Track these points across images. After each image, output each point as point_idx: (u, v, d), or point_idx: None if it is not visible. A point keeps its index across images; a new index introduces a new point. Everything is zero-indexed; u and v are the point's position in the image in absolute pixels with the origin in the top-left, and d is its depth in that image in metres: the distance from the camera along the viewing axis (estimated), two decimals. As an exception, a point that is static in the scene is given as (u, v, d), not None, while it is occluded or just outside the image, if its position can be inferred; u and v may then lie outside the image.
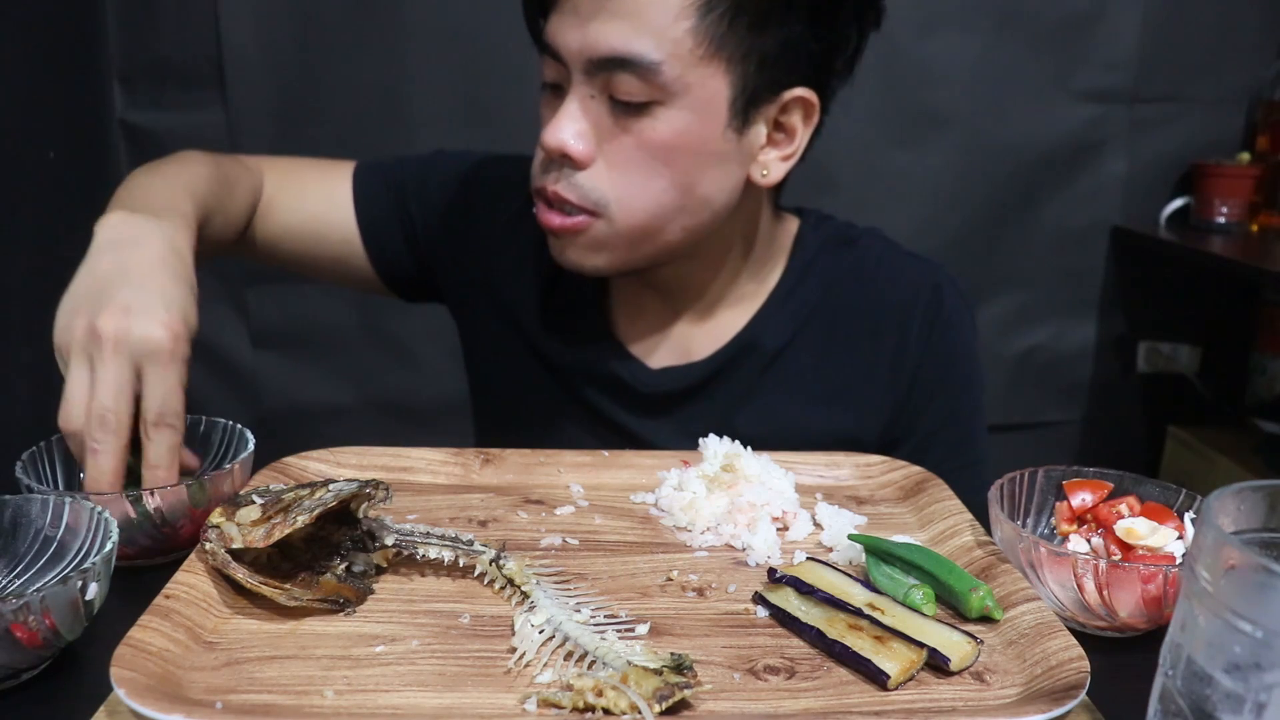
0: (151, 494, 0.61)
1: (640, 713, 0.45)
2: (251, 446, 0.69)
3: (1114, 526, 0.61)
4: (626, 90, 0.75)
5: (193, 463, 0.70)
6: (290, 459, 0.73)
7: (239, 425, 0.72)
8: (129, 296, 0.64)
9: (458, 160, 1.02)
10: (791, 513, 0.69)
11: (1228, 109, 1.87)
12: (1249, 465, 1.77)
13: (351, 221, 0.98)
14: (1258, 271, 1.58)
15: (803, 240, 0.93)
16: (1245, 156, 1.83)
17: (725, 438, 0.73)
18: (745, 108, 0.78)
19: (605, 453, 0.77)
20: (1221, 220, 1.81)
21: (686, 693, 0.47)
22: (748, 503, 0.67)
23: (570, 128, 0.77)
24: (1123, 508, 0.62)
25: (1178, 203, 1.88)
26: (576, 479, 0.74)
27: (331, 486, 0.59)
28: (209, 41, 1.64)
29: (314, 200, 0.98)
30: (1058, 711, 0.46)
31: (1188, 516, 0.62)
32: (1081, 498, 0.64)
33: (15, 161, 1.35)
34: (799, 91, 0.80)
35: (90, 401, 0.62)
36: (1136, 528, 0.60)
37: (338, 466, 0.74)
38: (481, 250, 0.97)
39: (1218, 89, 1.84)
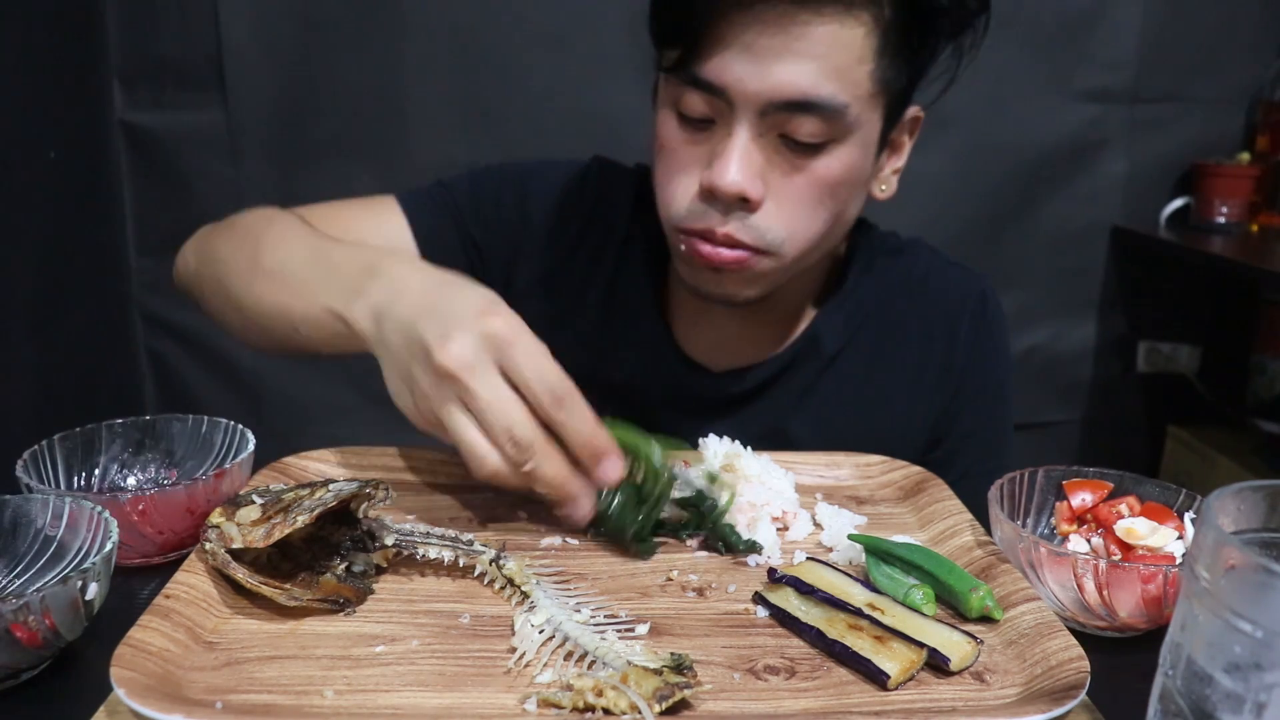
0: None
1: (640, 713, 0.45)
2: (251, 446, 0.69)
3: (1114, 526, 0.61)
4: (808, 132, 0.73)
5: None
6: (290, 459, 0.73)
7: (239, 425, 0.72)
8: (432, 328, 0.59)
9: (505, 175, 0.98)
10: (791, 513, 0.69)
11: (1228, 109, 1.87)
12: (1249, 465, 1.77)
13: (415, 255, 0.93)
14: (1258, 271, 1.58)
15: (859, 246, 0.94)
16: (1245, 156, 1.83)
17: (726, 438, 0.73)
18: (888, 134, 0.80)
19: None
20: (1221, 220, 1.81)
21: (686, 693, 0.47)
22: (748, 503, 0.67)
23: (746, 170, 0.73)
24: (1123, 508, 0.63)
25: (1178, 203, 1.88)
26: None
27: (331, 486, 0.59)
28: (209, 41, 1.64)
29: (374, 241, 0.92)
30: (1058, 711, 0.46)
31: (1188, 516, 0.62)
32: (1081, 498, 0.64)
33: (15, 161, 1.35)
34: (914, 110, 0.83)
35: (491, 430, 0.57)
36: (1136, 528, 0.60)
37: (338, 466, 0.74)
38: (544, 264, 0.95)
39: (1218, 89, 1.84)
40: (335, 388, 1.82)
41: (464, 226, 0.95)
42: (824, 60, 0.71)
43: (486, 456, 0.58)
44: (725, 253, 0.78)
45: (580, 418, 0.60)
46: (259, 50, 1.65)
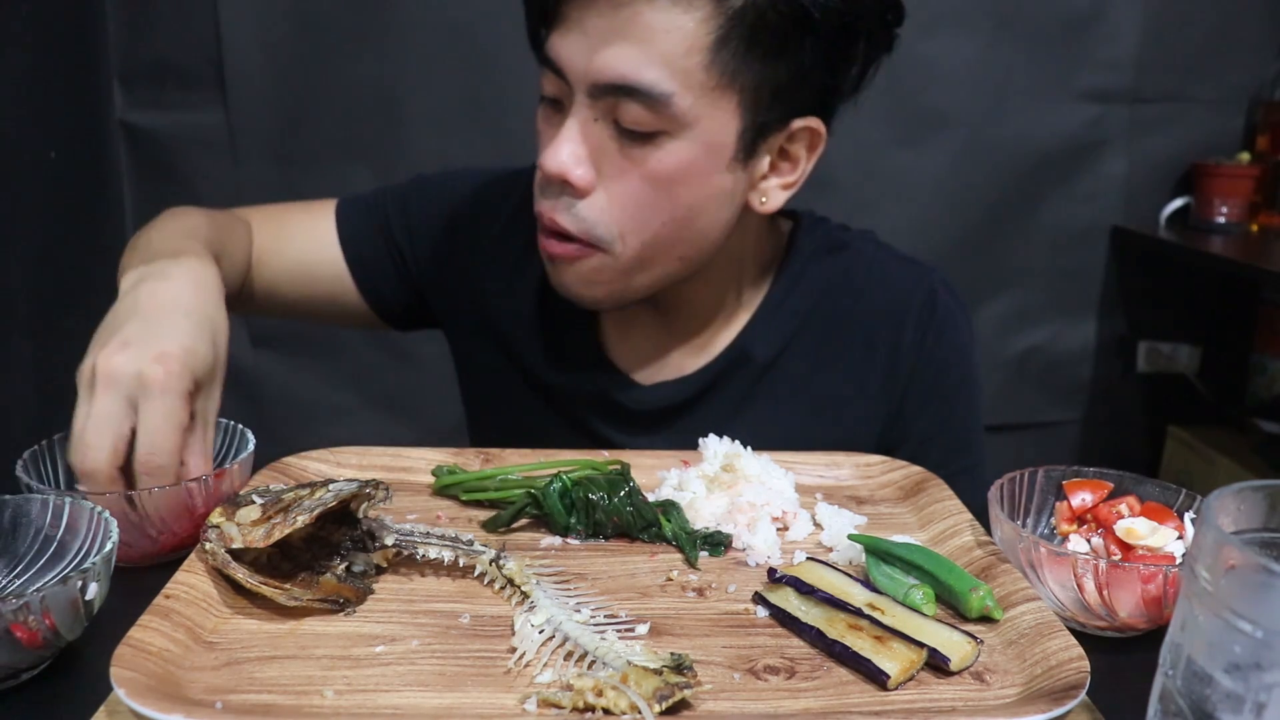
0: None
1: (640, 713, 0.45)
2: (251, 446, 0.69)
3: (1114, 526, 0.61)
4: (633, 119, 0.72)
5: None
6: (290, 459, 0.73)
7: (239, 425, 0.72)
8: (130, 331, 0.64)
9: (436, 183, 1.00)
10: (791, 513, 0.69)
11: (1228, 109, 1.87)
12: (1249, 465, 1.77)
13: (340, 260, 0.96)
14: (1258, 271, 1.58)
15: (795, 247, 0.91)
16: (1245, 156, 1.84)
17: (725, 438, 0.73)
18: (753, 140, 0.77)
19: (605, 453, 0.77)
20: (1221, 220, 1.81)
21: (686, 693, 0.47)
22: (748, 503, 0.67)
23: (571, 152, 0.74)
24: (1123, 508, 0.62)
25: (1178, 203, 1.88)
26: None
27: (331, 486, 0.59)
28: (209, 41, 1.64)
29: (301, 243, 0.96)
30: (1058, 711, 0.45)
31: (1188, 516, 0.62)
32: (1081, 498, 0.64)
33: (15, 161, 1.35)
34: (806, 121, 0.78)
35: (82, 436, 0.61)
36: (1136, 528, 0.60)
37: (338, 466, 0.74)
38: (469, 271, 0.96)
39: (1218, 89, 1.85)
40: (335, 388, 1.82)
41: (389, 233, 0.97)
42: (648, 45, 0.70)
43: (76, 447, 0.61)
44: (555, 245, 0.78)
45: (156, 486, 0.62)
46: (259, 50, 1.65)
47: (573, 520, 0.65)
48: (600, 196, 0.76)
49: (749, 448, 0.73)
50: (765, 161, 0.79)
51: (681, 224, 0.78)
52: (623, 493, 0.66)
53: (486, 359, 0.97)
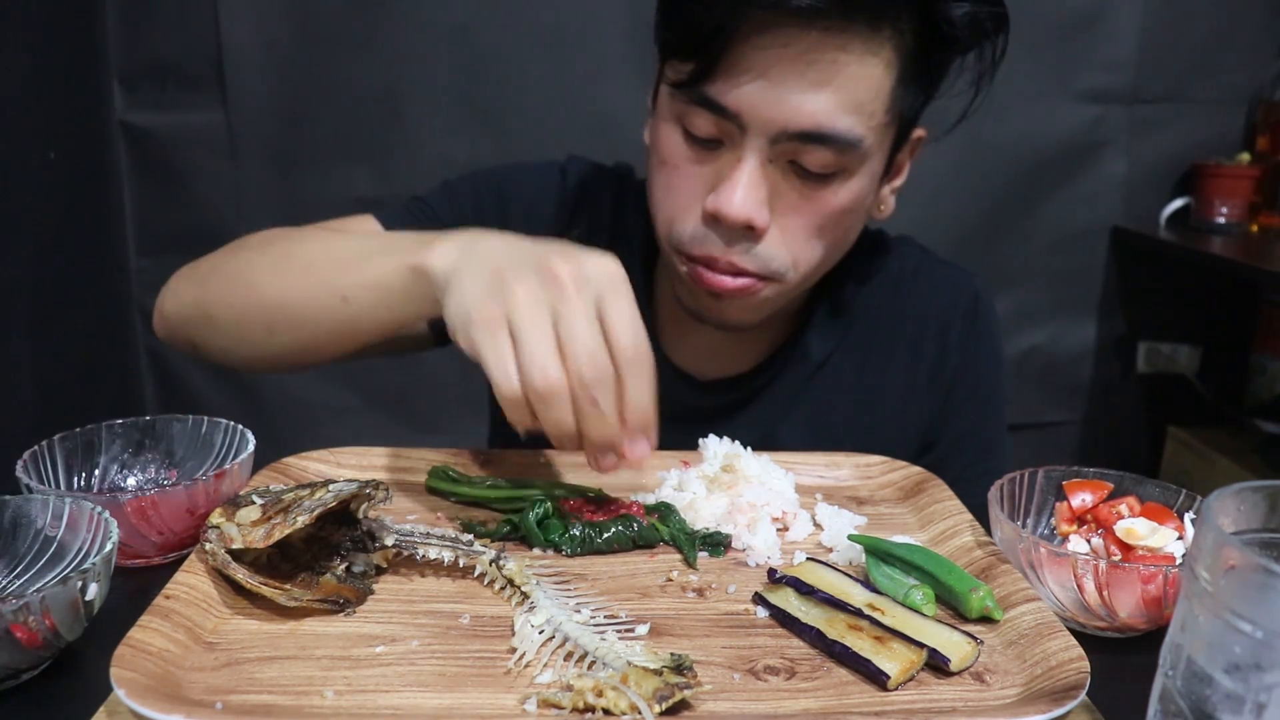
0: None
1: (640, 713, 0.45)
2: (251, 446, 0.69)
3: (1114, 527, 0.61)
4: (819, 163, 0.71)
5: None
6: (290, 459, 0.73)
7: (239, 425, 0.72)
8: (548, 250, 0.58)
9: (478, 182, 0.96)
10: (791, 513, 0.69)
11: (1228, 109, 1.87)
12: (1249, 465, 1.77)
13: None
14: (1258, 271, 1.58)
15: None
16: (1245, 157, 1.83)
17: (725, 438, 0.73)
18: (893, 157, 0.79)
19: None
20: (1221, 220, 1.81)
21: (686, 693, 0.47)
22: (748, 503, 0.67)
23: (753, 198, 0.72)
24: (1123, 508, 0.62)
25: (1178, 203, 1.88)
26: (577, 479, 0.74)
27: (331, 487, 0.59)
28: (209, 41, 1.64)
29: None
30: (1058, 712, 0.45)
31: (1188, 516, 0.62)
32: (1081, 498, 0.64)
33: (15, 161, 1.35)
34: (919, 130, 0.82)
35: (572, 345, 0.55)
36: (1136, 528, 0.60)
37: (338, 466, 0.74)
38: None
39: (1218, 89, 1.85)
40: (335, 388, 1.82)
41: None
42: (844, 93, 0.69)
43: (548, 368, 0.55)
44: (729, 281, 0.76)
45: (645, 385, 0.58)
46: (259, 50, 1.66)
47: (554, 537, 0.64)
48: (774, 233, 0.75)
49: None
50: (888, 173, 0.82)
51: (842, 244, 0.81)
52: (617, 528, 0.65)
53: None
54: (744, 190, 0.71)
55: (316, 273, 0.72)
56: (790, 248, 0.76)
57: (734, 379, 0.91)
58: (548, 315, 0.56)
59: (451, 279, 0.61)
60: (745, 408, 0.91)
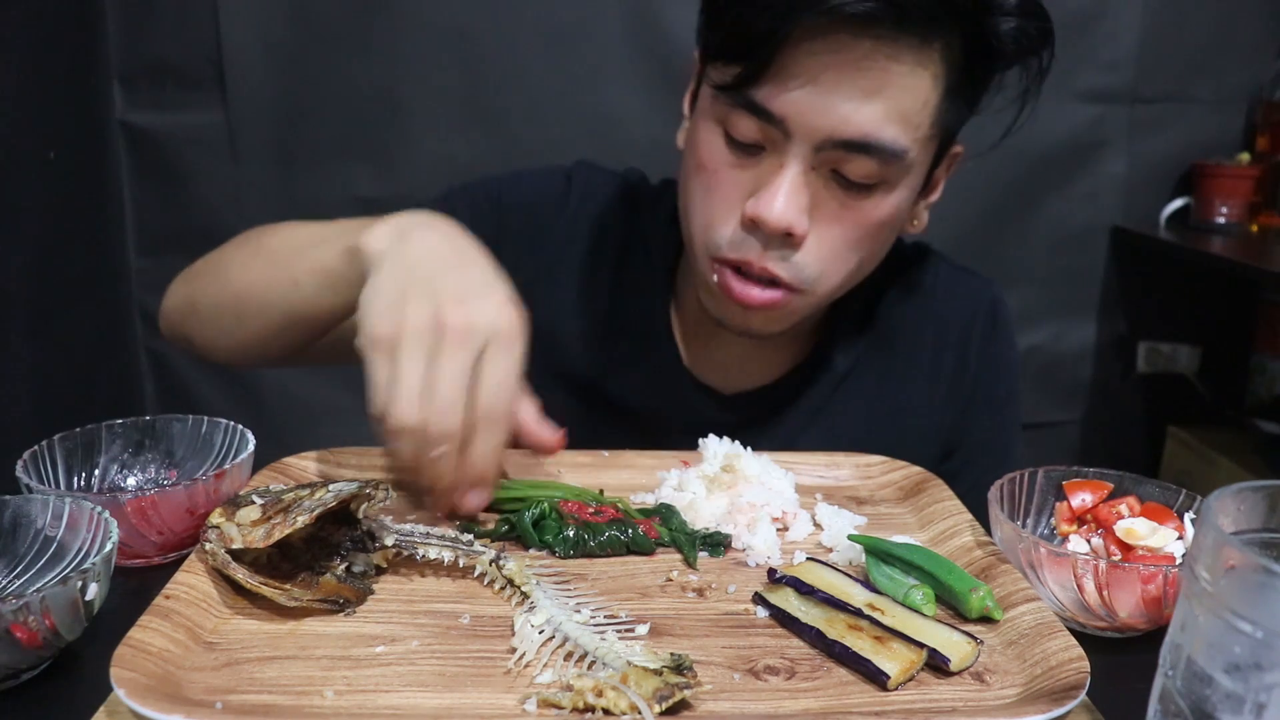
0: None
1: (640, 713, 0.45)
2: (251, 446, 0.69)
3: (1114, 527, 0.61)
4: (862, 173, 0.71)
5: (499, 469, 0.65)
6: (290, 459, 0.73)
7: (239, 425, 0.72)
8: (457, 281, 0.60)
9: (474, 192, 0.94)
10: (791, 513, 0.69)
11: (1228, 109, 1.87)
12: (1249, 465, 1.77)
13: None
14: (1258, 271, 1.58)
15: None
16: (1245, 156, 1.83)
17: (725, 438, 0.73)
18: (932, 172, 0.79)
19: (605, 453, 0.77)
20: (1221, 220, 1.81)
21: (686, 693, 0.47)
22: (747, 503, 0.67)
23: (794, 204, 0.71)
24: (1123, 508, 0.63)
25: (1178, 203, 1.88)
26: (576, 479, 0.74)
27: (331, 487, 0.59)
28: (209, 41, 1.64)
29: None
30: (1058, 712, 0.45)
31: (1188, 516, 0.62)
32: (1081, 498, 0.64)
33: (15, 161, 1.35)
34: (957, 145, 0.81)
35: (431, 396, 0.57)
36: (1136, 528, 0.60)
37: (338, 466, 0.74)
38: (524, 274, 0.88)
39: (1218, 89, 1.84)
40: (335, 388, 1.82)
41: None
42: (892, 103, 0.69)
43: (406, 410, 0.58)
44: (757, 294, 0.75)
45: (492, 443, 0.61)
46: (259, 50, 1.66)
47: (547, 538, 0.64)
48: (811, 242, 0.74)
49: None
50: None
51: (875, 257, 0.80)
52: (611, 532, 0.64)
53: (542, 380, 0.92)
54: (785, 197, 0.71)
55: (277, 260, 0.75)
56: (823, 257, 0.75)
57: (756, 392, 0.90)
58: (424, 357, 0.58)
59: (373, 269, 0.63)
60: (767, 421, 0.90)
